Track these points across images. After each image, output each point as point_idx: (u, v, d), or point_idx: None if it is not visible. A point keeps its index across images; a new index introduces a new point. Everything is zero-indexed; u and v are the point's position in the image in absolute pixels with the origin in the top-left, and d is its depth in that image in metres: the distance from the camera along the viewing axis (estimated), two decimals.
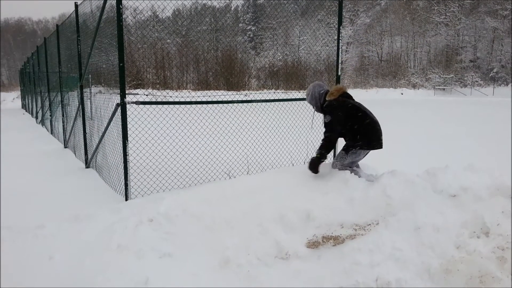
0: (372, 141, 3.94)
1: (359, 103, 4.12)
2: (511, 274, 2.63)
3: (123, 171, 4.46)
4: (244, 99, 5.80)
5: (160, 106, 4.82)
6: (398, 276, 2.76)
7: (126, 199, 4.46)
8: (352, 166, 4.04)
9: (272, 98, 5.69)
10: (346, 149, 3.99)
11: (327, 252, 3.10)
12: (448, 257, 2.81)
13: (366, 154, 4.06)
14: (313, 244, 3.18)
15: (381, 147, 4.02)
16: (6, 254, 3.10)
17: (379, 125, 4.04)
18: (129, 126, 4.39)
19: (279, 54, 44.36)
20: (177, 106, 5.01)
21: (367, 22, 54.39)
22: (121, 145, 4.41)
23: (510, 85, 41.14)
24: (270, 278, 2.93)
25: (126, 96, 4.31)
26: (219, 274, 2.98)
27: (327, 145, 3.90)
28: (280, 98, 5.70)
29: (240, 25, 54.51)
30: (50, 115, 11.67)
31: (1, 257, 3.03)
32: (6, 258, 3.05)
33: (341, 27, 5.63)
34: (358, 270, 2.86)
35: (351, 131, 3.98)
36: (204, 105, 5.15)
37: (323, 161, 3.93)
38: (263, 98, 5.36)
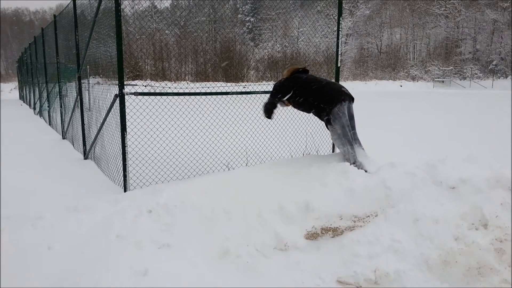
0: (335, 95, 4.00)
1: (314, 76, 4.36)
2: (509, 266, 2.64)
3: (121, 162, 4.44)
4: (243, 90, 5.76)
5: (158, 97, 4.80)
6: (397, 268, 2.77)
7: (125, 191, 4.45)
8: (351, 135, 3.99)
9: (271, 89, 5.64)
10: (328, 124, 4.05)
11: (326, 243, 3.11)
12: (447, 249, 2.82)
13: (346, 110, 3.98)
14: (312, 236, 3.19)
15: (350, 97, 4.07)
16: (5, 244, 3.10)
17: (334, 83, 4.37)
18: (127, 117, 4.37)
19: (278, 45, 44.10)
20: (175, 97, 4.99)
21: (367, 13, 54.07)
22: (120, 136, 4.40)
23: (509, 77, 41.07)
24: (269, 269, 2.94)
25: (125, 87, 4.28)
26: (218, 264, 2.98)
27: (264, 111, 4.36)
28: None
29: (239, 16, 54.10)
30: (48, 106, 11.62)
31: (0, 247, 3.03)
32: (5, 248, 3.05)
33: (340, 19, 5.59)
34: (357, 261, 2.87)
35: (314, 101, 4.08)
36: (203, 97, 5.13)
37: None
38: (262, 90, 5.32)
